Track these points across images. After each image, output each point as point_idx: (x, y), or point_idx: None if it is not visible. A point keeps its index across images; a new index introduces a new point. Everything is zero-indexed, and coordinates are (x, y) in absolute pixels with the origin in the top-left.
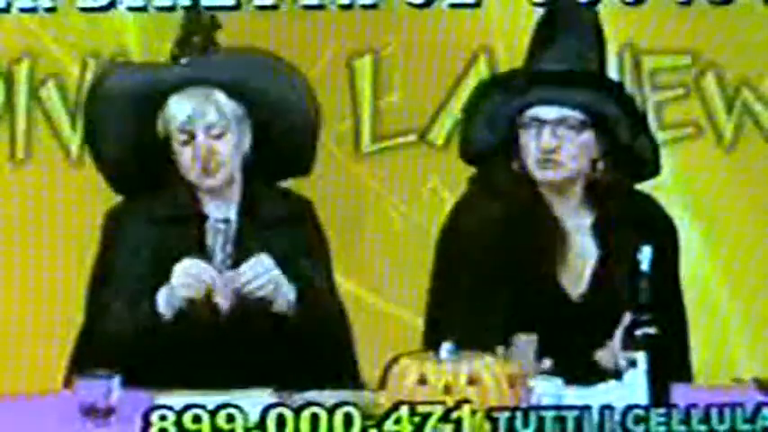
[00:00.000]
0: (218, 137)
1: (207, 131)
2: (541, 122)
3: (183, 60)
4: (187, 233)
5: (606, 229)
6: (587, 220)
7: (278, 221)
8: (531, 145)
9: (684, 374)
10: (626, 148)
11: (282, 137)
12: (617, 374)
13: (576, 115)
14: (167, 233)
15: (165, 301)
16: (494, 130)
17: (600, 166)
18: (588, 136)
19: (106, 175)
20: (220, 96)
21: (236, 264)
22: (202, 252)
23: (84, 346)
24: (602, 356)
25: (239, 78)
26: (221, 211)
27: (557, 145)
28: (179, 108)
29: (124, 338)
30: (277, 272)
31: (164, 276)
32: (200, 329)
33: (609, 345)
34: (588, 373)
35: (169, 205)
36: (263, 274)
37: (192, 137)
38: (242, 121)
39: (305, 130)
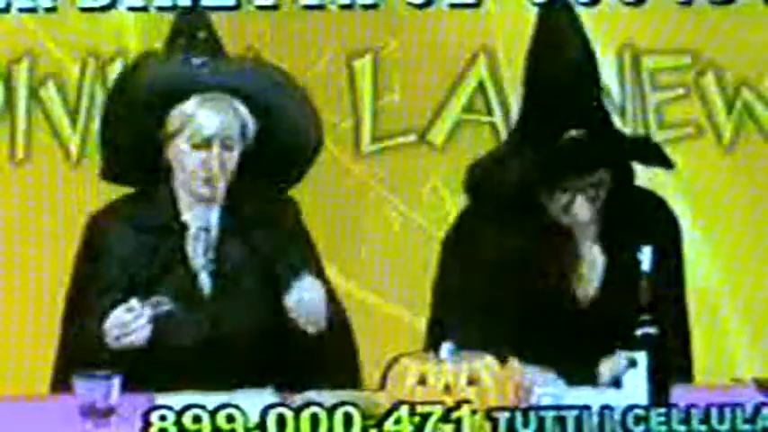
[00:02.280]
0: (230, 148)
1: (223, 143)
2: (573, 191)
3: (198, 60)
4: (167, 242)
5: (611, 233)
6: (593, 224)
7: (262, 221)
8: (560, 209)
9: (685, 374)
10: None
11: (281, 149)
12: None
13: (602, 174)
14: (148, 241)
15: (111, 341)
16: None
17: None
18: (607, 179)
19: (108, 165)
20: (243, 110)
21: (217, 269)
22: (183, 259)
23: (64, 352)
24: (606, 367)
25: (257, 90)
26: (202, 220)
27: (589, 210)
28: (208, 118)
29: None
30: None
31: (143, 285)
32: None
33: (613, 356)
34: (585, 365)
35: (150, 213)
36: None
37: (208, 146)
38: (250, 132)
39: (305, 147)
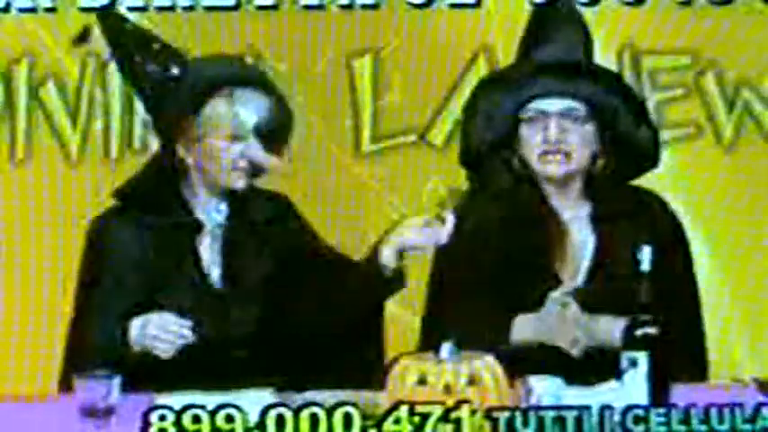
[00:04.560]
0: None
1: (258, 134)
2: (546, 115)
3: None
4: (179, 239)
5: (604, 222)
6: (585, 212)
7: (267, 222)
8: (537, 138)
9: (699, 372)
10: (626, 140)
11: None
12: (617, 373)
13: (579, 107)
14: (158, 239)
15: (136, 338)
16: (495, 127)
17: (600, 159)
18: (590, 128)
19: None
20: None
21: (227, 266)
22: (194, 256)
23: (73, 352)
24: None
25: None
26: (216, 217)
27: (563, 137)
28: (248, 111)
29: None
30: None
31: (153, 284)
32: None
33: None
34: (585, 365)
35: (161, 212)
36: None
37: (242, 139)
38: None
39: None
